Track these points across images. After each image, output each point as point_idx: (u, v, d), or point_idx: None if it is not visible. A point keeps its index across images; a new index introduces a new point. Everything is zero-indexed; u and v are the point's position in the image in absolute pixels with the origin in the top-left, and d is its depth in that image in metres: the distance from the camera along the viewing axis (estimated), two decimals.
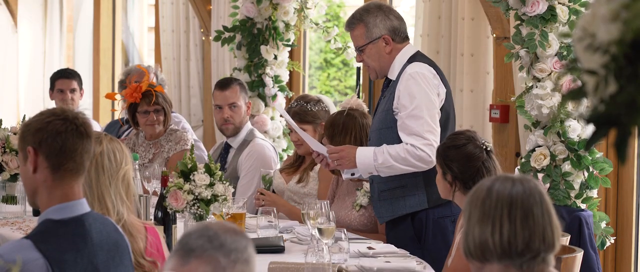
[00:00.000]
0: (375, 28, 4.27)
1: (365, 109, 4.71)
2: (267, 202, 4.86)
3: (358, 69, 6.52)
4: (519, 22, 4.75)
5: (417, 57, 4.27)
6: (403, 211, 4.23)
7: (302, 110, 4.97)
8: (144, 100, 5.45)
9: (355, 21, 4.32)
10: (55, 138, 2.61)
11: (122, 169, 3.14)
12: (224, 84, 5.57)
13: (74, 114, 2.66)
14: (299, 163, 5.12)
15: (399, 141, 4.14)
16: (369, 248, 3.93)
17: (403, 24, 4.34)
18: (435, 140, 4.07)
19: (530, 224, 2.26)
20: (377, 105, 4.40)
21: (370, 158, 4.14)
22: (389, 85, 4.29)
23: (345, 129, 4.51)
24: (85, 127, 2.65)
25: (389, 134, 4.19)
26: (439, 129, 4.14)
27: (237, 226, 2.11)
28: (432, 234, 4.17)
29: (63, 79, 6.83)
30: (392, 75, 4.27)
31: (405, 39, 4.32)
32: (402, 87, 4.15)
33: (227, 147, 5.64)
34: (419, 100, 4.10)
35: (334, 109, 5.06)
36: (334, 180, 4.89)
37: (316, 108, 4.97)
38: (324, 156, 4.35)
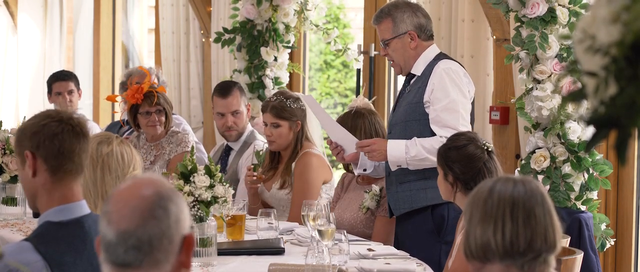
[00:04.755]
0: (402, 23, 4.35)
1: (372, 107, 4.75)
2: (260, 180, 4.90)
3: (358, 70, 6.52)
4: (519, 24, 4.75)
5: (443, 56, 4.38)
6: (423, 203, 4.25)
7: (281, 106, 4.92)
8: (145, 101, 5.44)
9: (383, 15, 4.40)
10: (53, 140, 2.60)
11: (129, 174, 3.15)
12: (225, 90, 5.54)
13: (68, 115, 2.66)
14: (275, 163, 5.07)
15: (426, 133, 4.21)
16: (369, 250, 3.93)
17: (429, 22, 4.43)
18: None
19: (532, 224, 2.27)
20: (397, 99, 4.46)
21: (401, 151, 4.20)
22: (415, 80, 4.35)
23: (354, 128, 4.53)
24: (81, 127, 2.64)
25: (415, 126, 4.26)
26: (470, 126, 4.24)
27: (145, 185, 2.04)
28: (454, 229, 4.17)
29: (60, 82, 6.82)
30: (417, 71, 4.35)
31: (431, 37, 4.42)
32: (436, 80, 4.23)
33: (227, 149, 5.64)
34: (454, 95, 4.20)
35: (309, 111, 5.05)
36: (339, 181, 4.89)
37: (295, 105, 4.94)
38: (341, 148, 4.39)
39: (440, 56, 4.36)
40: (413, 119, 4.28)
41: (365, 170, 4.47)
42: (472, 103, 4.33)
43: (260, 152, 4.99)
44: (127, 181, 2.09)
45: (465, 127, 4.17)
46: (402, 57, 4.37)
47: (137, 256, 1.99)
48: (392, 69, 4.52)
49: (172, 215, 2.02)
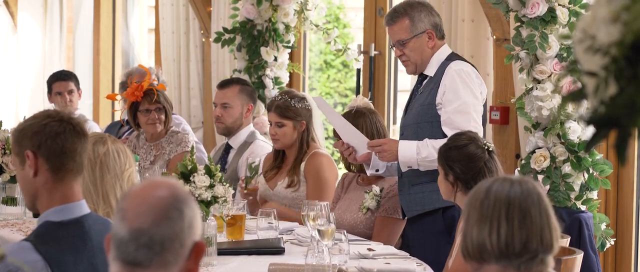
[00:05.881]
0: (420, 22, 4.33)
1: (372, 106, 4.74)
2: (254, 198, 4.87)
3: (358, 70, 6.52)
4: (519, 23, 4.75)
5: (455, 56, 4.36)
6: (435, 205, 4.24)
7: (285, 105, 4.92)
8: (145, 99, 5.44)
9: (399, 15, 4.35)
10: (55, 139, 2.61)
11: (126, 171, 3.15)
12: (224, 83, 5.63)
13: (67, 115, 2.67)
14: (279, 162, 5.07)
15: (438, 135, 4.19)
16: (369, 249, 3.93)
17: (441, 21, 4.40)
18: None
19: (528, 224, 2.26)
20: (409, 100, 4.44)
21: (413, 151, 4.18)
22: (427, 82, 4.33)
23: (355, 127, 4.52)
24: (80, 126, 2.66)
25: (428, 128, 4.25)
26: (482, 127, 4.23)
27: (163, 187, 2.04)
28: None
29: (60, 82, 6.83)
30: (430, 72, 4.34)
31: (443, 36, 4.40)
32: (447, 82, 4.22)
33: (227, 148, 5.65)
34: (465, 96, 4.19)
35: (316, 110, 5.05)
36: (339, 182, 4.89)
37: (300, 105, 4.94)
38: (353, 148, 4.38)
39: (452, 57, 4.35)
40: (425, 121, 4.27)
41: (377, 170, 4.45)
42: (484, 104, 4.33)
43: (253, 165, 4.97)
44: (144, 181, 2.10)
45: (477, 129, 4.15)
46: (420, 56, 4.35)
47: (148, 255, 2.00)
48: (406, 69, 4.46)
49: (187, 218, 2.02)
